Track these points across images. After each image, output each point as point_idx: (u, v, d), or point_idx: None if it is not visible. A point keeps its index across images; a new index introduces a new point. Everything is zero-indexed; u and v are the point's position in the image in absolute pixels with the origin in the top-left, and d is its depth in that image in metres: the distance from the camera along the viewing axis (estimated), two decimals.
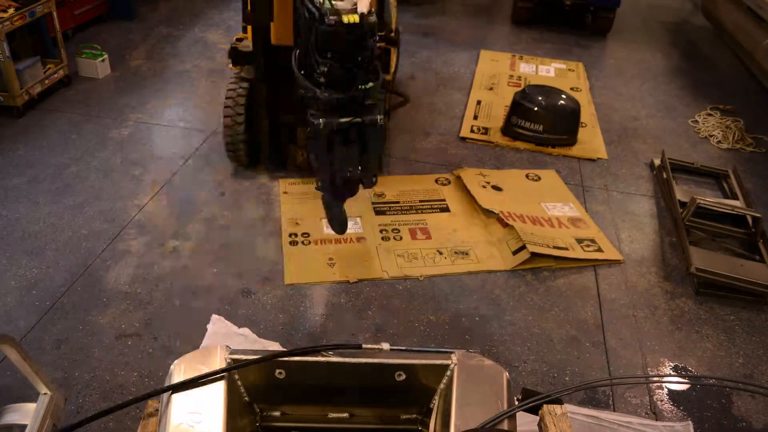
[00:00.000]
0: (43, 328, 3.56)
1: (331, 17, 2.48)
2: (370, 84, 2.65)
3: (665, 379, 3.59)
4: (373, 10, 2.66)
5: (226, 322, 3.62)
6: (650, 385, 3.49)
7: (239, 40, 4.71)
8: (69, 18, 6.88)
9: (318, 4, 2.58)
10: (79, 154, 5.13)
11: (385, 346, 1.91)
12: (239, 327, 3.61)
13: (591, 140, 5.91)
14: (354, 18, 2.49)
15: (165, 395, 1.76)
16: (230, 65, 4.74)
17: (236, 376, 1.86)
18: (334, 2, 2.58)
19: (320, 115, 2.66)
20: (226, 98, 4.63)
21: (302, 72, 2.73)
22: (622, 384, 3.46)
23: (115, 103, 5.94)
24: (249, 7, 4.25)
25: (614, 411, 3.31)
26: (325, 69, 2.53)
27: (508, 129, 5.87)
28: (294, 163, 5.03)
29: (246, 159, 4.90)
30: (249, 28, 4.45)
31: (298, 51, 2.80)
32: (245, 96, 4.63)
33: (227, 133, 4.68)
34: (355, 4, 2.64)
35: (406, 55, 7.44)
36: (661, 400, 3.40)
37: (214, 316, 3.63)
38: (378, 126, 2.72)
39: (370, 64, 2.63)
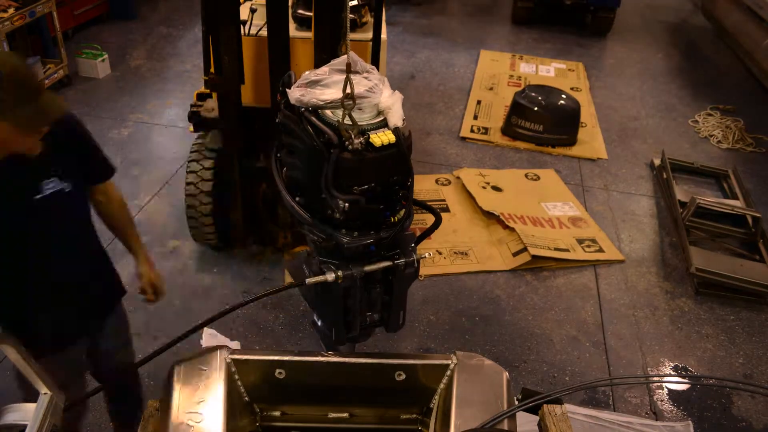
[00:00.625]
0: None
1: (356, 140, 1.76)
2: (403, 211, 1.96)
3: (665, 379, 3.59)
4: (404, 119, 1.90)
5: (219, 335, 3.60)
6: (650, 385, 3.49)
7: (201, 97, 3.87)
8: (69, 18, 6.88)
9: (329, 120, 1.82)
10: None
11: None
12: (232, 339, 3.59)
13: (591, 140, 5.91)
14: (387, 137, 1.80)
15: (165, 397, 1.76)
16: (190, 128, 3.93)
17: (236, 376, 1.86)
18: (347, 108, 1.78)
19: (334, 263, 1.94)
20: (188, 173, 3.82)
21: (298, 202, 1.96)
22: (622, 384, 3.46)
23: (115, 103, 5.94)
24: (213, 68, 3.45)
25: (614, 411, 3.31)
26: (346, 206, 1.82)
27: (508, 129, 5.87)
28: (275, 245, 4.21)
29: (215, 240, 4.05)
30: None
31: (285, 168, 2.02)
32: (212, 170, 3.80)
33: (190, 214, 3.85)
34: (378, 108, 1.89)
35: (407, 55, 7.44)
36: (661, 400, 3.40)
37: (207, 330, 3.61)
38: (414, 266, 2.02)
39: (404, 188, 1.94)
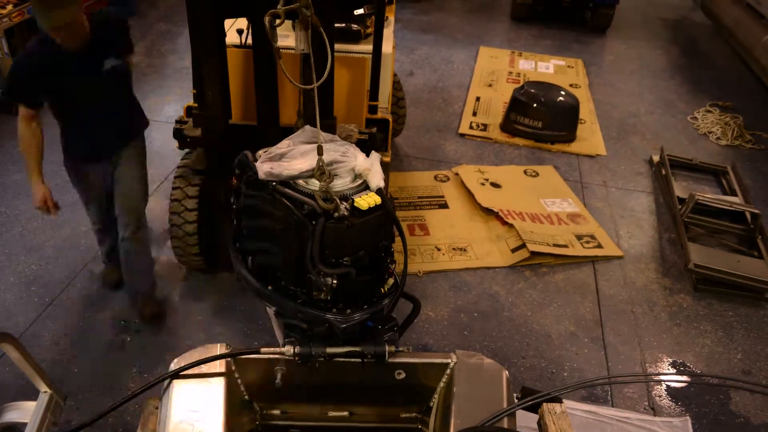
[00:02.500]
0: (42, 324, 3.56)
1: (341, 206, 1.66)
2: (391, 280, 1.86)
3: (663, 377, 3.59)
4: (384, 179, 1.80)
5: None
6: (648, 381, 3.50)
7: (191, 110, 3.65)
8: None
9: (304, 190, 1.71)
10: None
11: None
12: (231, 336, 3.56)
13: (590, 137, 5.91)
14: (373, 199, 1.70)
15: (165, 395, 1.76)
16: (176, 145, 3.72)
17: (236, 375, 1.86)
18: (322, 181, 1.68)
19: (296, 338, 1.79)
20: (173, 189, 3.62)
21: (273, 291, 1.82)
22: (620, 383, 3.46)
23: None
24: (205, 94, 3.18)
25: (613, 407, 3.32)
26: (334, 282, 1.68)
27: (507, 125, 5.87)
28: None
29: (203, 263, 3.83)
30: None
31: (251, 258, 1.87)
32: (197, 191, 3.57)
33: (175, 234, 3.63)
34: (356, 172, 1.79)
35: (406, 52, 7.43)
36: (660, 396, 3.41)
37: None
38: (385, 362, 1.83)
39: (389, 253, 1.83)
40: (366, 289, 1.79)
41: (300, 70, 3.01)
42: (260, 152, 1.83)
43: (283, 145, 1.83)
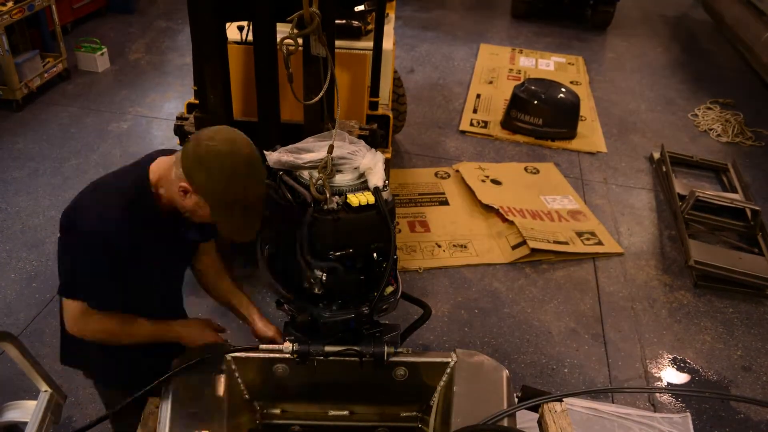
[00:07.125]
0: (43, 320, 3.56)
1: (332, 199, 1.69)
2: (389, 289, 1.85)
3: (664, 390, 3.56)
4: (387, 183, 1.81)
5: None
6: (649, 378, 3.50)
7: (191, 108, 3.64)
8: (68, 11, 6.86)
9: (304, 181, 1.76)
10: (79, 148, 5.12)
11: None
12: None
13: (590, 134, 5.91)
14: (366, 197, 1.71)
15: (165, 394, 1.76)
16: (177, 141, 3.67)
17: (236, 373, 1.86)
18: (321, 175, 1.71)
19: (295, 336, 1.85)
20: None
21: (278, 278, 1.88)
22: (622, 392, 3.44)
23: (115, 96, 5.93)
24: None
25: (613, 403, 3.32)
26: (324, 276, 1.72)
27: (507, 122, 5.86)
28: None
29: None
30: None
31: (267, 247, 1.94)
32: None
33: None
34: (360, 171, 1.80)
35: (407, 49, 7.42)
36: (660, 393, 3.42)
37: None
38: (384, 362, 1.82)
39: (385, 258, 1.80)
40: (354, 288, 1.80)
41: (302, 80, 3.00)
42: (278, 146, 1.93)
43: (306, 140, 1.92)
